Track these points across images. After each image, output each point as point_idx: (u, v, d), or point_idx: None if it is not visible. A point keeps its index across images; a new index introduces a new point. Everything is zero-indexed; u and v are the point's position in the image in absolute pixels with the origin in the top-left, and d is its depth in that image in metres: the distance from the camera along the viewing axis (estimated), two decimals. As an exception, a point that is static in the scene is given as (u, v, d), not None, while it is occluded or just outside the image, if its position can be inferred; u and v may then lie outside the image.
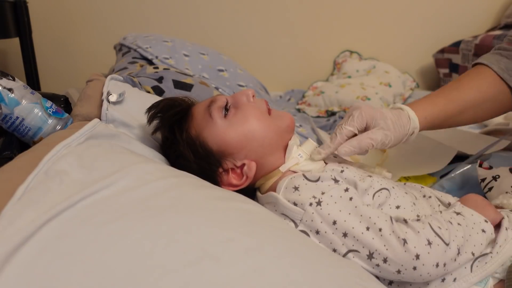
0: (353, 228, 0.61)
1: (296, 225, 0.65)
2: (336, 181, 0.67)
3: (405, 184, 0.80)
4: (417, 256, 0.59)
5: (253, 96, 0.76)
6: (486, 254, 0.65)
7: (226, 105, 0.74)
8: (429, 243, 0.60)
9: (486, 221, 0.67)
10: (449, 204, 0.74)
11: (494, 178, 0.87)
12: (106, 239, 0.46)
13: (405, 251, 0.59)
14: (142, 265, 0.44)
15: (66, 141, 0.62)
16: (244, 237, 0.51)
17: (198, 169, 0.72)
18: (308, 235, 0.64)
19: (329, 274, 0.51)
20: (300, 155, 0.73)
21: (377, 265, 0.60)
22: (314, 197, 0.64)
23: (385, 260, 0.60)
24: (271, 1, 2.06)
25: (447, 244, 0.61)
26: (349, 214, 0.63)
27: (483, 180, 0.90)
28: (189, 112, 0.77)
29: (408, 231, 0.61)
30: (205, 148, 0.72)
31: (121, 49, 1.56)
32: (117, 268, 0.43)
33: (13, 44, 1.66)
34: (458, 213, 0.67)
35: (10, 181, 0.53)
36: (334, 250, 0.62)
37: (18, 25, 1.54)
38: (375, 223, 0.61)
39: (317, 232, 0.63)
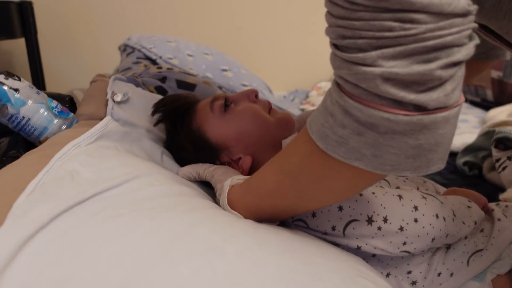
0: (346, 199, 0.61)
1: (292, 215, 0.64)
2: None
3: (407, 178, 0.81)
4: (416, 208, 0.60)
5: (256, 95, 0.77)
6: (481, 250, 0.65)
7: (228, 101, 0.76)
8: (424, 197, 0.62)
9: (469, 200, 0.70)
10: None
11: (509, 158, 0.89)
12: (115, 231, 0.47)
13: (403, 205, 0.60)
14: (150, 256, 0.44)
15: (76, 141, 0.63)
16: (246, 235, 0.53)
17: (197, 161, 0.74)
18: (305, 222, 0.63)
19: (329, 267, 0.52)
20: None
21: (379, 228, 0.59)
22: None
23: (385, 220, 0.59)
24: (275, 1, 2.06)
25: (442, 203, 0.62)
26: None
27: (497, 160, 0.92)
28: (192, 107, 0.79)
29: (401, 190, 0.63)
30: (204, 139, 0.74)
31: (126, 49, 1.57)
32: (125, 258, 0.44)
33: (19, 44, 1.67)
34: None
35: (20, 177, 0.54)
36: (334, 228, 0.61)
37: (24, 25, 1.55)
38: (366, 190, 0.62)
39: (314, 215, 0.63)
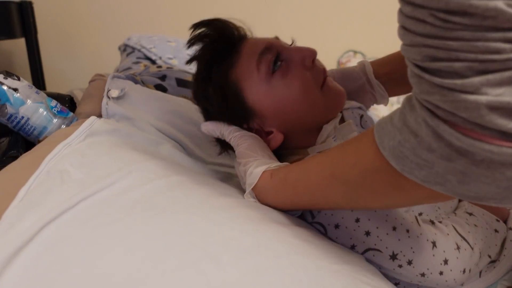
0: (377, 228, 0.57)
1: (313, 216, 0.60)
2: None
3: None
4: (446, 261, 0.56)
5: (313, 60, 0.65)
6: (494, 261, 0.63)
7: (279, 58, 0.64)
8: (458, 248, 0.57)
9: (497, 220, 0.64)
10: None
11: None
12: (105, 241, 0.46)
13: (433, 255, 0.56)
14: (142, 267, 0.43)
15: (67, 141, 0.63)
16: (245, 236, 0.51)
17: (220, 116, 0.66)
18: (324, 229, 0.59)
19: (332, 271, 0.50)
20: (334, 138, 0.65)
21: (400, 266, 0.56)
22: None
23: (409, 262, 0.56)
24: (274, 1, 2.06)
25: (472, 249, 0.58)
26: (375, 211, 0.57)
27: None
28: (238, 47, 0.66)
29: (437, 233, 0.57)
30: (239, 98, 0.64)
31: (125, 49, 1.57)
32: (116, 270, 0.42)
33: (19, 44, 1.67)
34: (470, 214, 0.65)
35: (12, 181, 0.54)
36: (353, 246, 0.58)
37: (24, 25, 1.55)
38: (401, 224, 0.57)
39: (337, 227, 0.58)
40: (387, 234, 0.56)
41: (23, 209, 0.48)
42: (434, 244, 0.56)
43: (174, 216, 0.52)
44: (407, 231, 0.56)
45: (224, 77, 0.64)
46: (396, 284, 0.62)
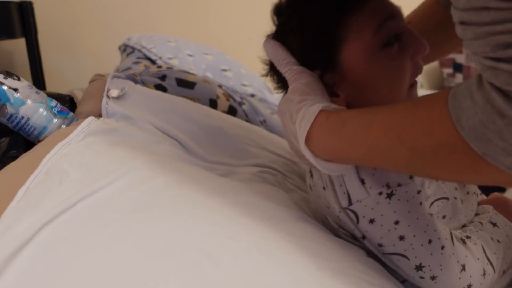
0: (414, 236, 0.54)
1: (350, 203, 0.56)
2: (411, 177, 0.57)
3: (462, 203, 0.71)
4: (469, 286, 0.55)
5: (421, 54, 0.59)
6: (504, 270, 0.62)
7: (395, 37, 0.57)
8: (484, 274, 0.56)
9: None
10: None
11: None
12: (104, 242, 0.46)
13: (460, 278, 0.55)
14: (141, 268, 0.43)
15: (66, 140, 0.63)
16: (245, 235, 0.51)
17: (296, 45, 0.59)
18: (357, 216, 0.56)
19: (333, 270, 0.50)
20: None
21: (422, 277, 0.55)
22: (388, 186, 0.54)
23: (433, 278, 0.55)
24: (275, 1, 2.06)
25: (495, 272, 0.58)
26: (417, 219, 0.54)
27: None
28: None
29: (468, 255, 0.56)
30: (336, 46, 0.57)
31: (126, 49, 1.58)
32: (115, 272, 0.42)
33: (19, 44, 1.67)
34: (494, 224, 0.63)
35: (11, 182, 0.54)
36: (380, 245, 0.56)
37: (24, 25, 1.55)
38: (439, 239, 0.55)
39: (371, 221, 0.55)
40: (421, 245, 0.54)
41: (21, 210, 0.48)
42: (463, 267, 0.55)
43: (173, 216, 0.52)
44: (442, 247, 0.54)
45: (338, 15, 0.56)
46: (403, 281, 0.60)
